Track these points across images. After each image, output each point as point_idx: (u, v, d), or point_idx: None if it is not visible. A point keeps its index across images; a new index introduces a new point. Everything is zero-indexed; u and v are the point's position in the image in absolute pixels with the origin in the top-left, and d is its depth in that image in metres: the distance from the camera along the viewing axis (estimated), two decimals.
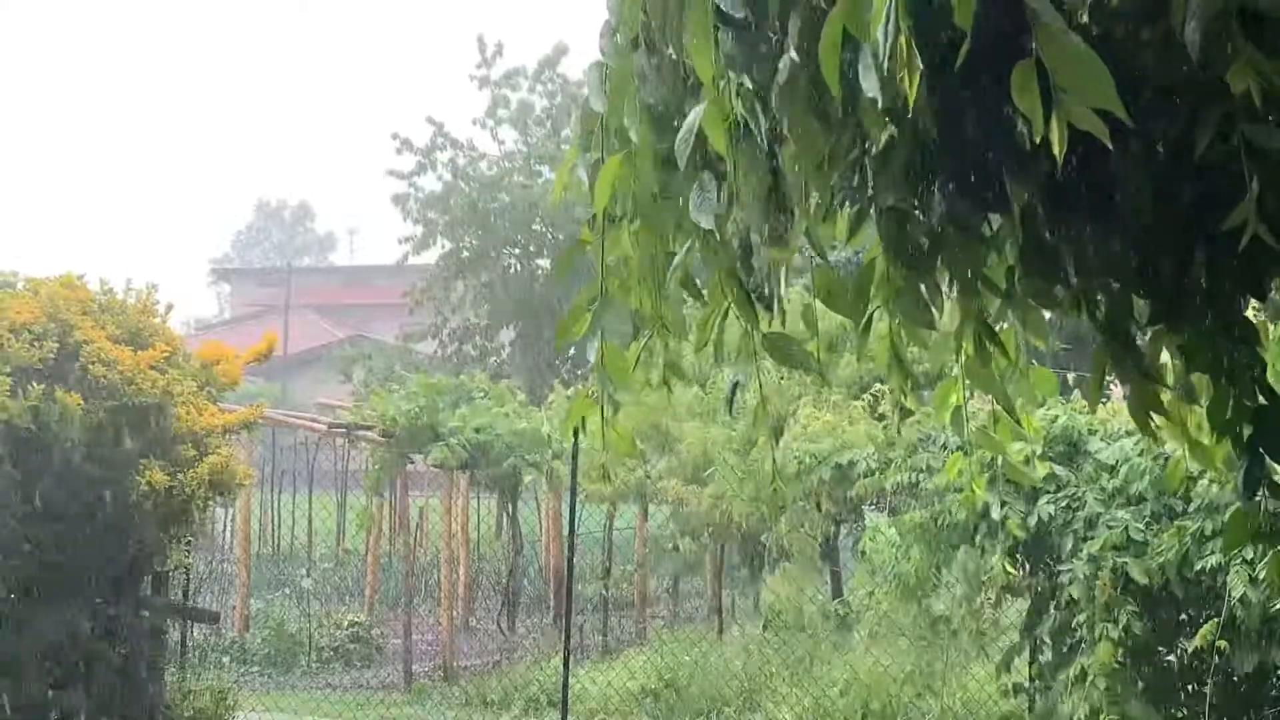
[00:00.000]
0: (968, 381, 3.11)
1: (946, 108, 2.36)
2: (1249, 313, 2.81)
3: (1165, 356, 2.85)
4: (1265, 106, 2.11)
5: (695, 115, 2.49)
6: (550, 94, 30.62)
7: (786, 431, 11.35)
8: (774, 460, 10.55)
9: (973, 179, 2.56)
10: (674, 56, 2.57)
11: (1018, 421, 3.30)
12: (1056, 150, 1.92)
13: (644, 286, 2.87)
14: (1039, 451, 7.53)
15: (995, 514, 7.70)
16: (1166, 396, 2.90)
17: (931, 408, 3.78)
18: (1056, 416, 7.98)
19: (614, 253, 2.86)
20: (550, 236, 30.00)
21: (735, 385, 3.35)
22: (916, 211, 2.63)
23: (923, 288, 2.74)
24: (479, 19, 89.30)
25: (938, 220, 2.60)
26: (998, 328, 2.93)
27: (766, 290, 2.87)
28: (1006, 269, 2.78)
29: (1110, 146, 1.97)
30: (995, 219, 2.69)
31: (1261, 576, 6.67)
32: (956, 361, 3.04)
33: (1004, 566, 7.75)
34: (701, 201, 2.63)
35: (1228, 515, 6.29)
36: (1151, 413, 2.82)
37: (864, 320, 2.86)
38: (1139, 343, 2.80)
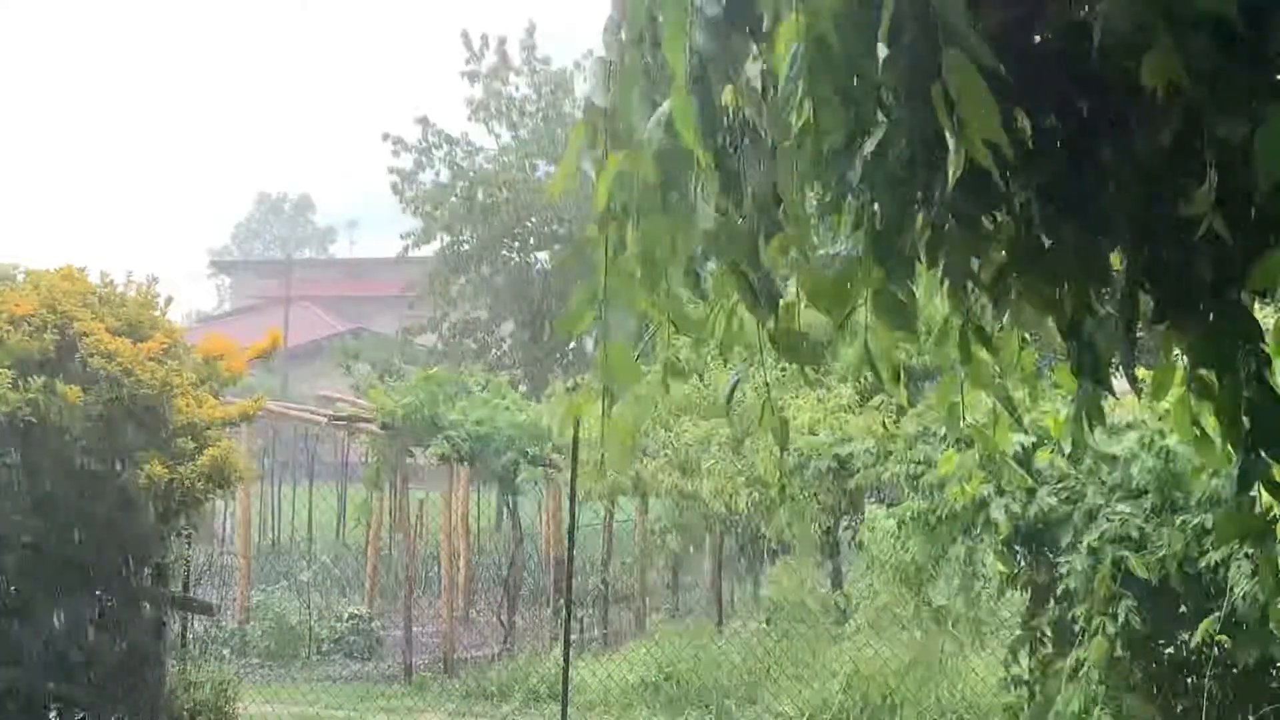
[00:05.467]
0: (965, 377, 3.08)
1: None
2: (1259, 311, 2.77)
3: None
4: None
5: (664, 109, 2.43)
6: (537, 85, 30.62)
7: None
8: (780, 460, 10.49)
9: (976, 174, 2.53)
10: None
11: (1018, 419, 3.27)
12: (950, 177, 1.93)
13: (645, 284, 2.77)
14: (1034, 441, 7.51)
15: (995, 511, 7.66)
16: (1177, 392, 2.85)
17: (934, 400, 3.76)
18: (1059, 409, 7.93)
19: (617, 250, 2.76)
20: (548, 229, 30.01)
21: (735, 383, 3.31)
22: (916, 207, 2.58)
23: (899, 289, 2.67)
24: (481, 14, 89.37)
25: (937, 215, 2.56)
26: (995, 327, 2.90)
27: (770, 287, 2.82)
28: (998, 268, 2.74)
29: (1010, 154, 1.98)
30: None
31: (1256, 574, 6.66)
32: (958, 359, 3.01)
33: (997, 565, 7.73)
34: (704, 196, 2.58)
35: (1220, 511, 6.30)
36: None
37: (844, 317, 2.80)
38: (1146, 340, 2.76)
